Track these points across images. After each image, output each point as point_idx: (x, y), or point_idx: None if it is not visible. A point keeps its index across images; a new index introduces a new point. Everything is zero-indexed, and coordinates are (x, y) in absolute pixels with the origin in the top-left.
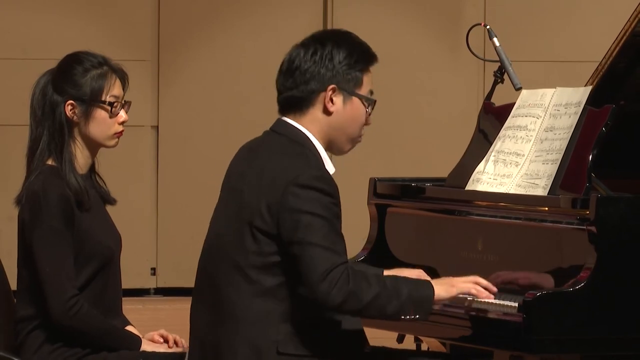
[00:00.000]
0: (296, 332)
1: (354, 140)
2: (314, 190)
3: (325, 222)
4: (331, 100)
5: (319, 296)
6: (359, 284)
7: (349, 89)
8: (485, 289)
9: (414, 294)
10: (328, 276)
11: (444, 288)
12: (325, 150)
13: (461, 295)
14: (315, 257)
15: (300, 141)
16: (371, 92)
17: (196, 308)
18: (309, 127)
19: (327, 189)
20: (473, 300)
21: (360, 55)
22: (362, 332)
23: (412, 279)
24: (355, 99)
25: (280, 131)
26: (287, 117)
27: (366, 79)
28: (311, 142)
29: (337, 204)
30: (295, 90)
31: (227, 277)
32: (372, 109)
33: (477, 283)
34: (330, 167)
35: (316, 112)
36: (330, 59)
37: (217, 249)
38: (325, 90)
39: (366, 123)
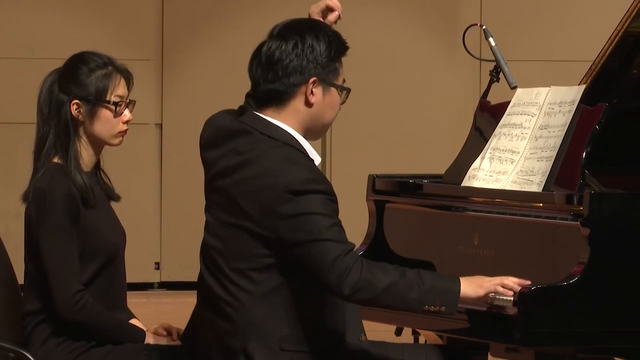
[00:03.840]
0: (297, 329)
1: (327, 127)
2: (308, 194)
3: (325, 218)
4: (312, 92)
5: (332, 287)
6: (372, 271)
7: (329, 80)
8: (511, 287)
9: (438, 285)
10: (338, 265)
11: (472, 287)
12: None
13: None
14: (322, 250)
15: (286, 141)
16: (343, 80)
17: (202, 305)
18: (289, 119)
19: (320, 188)
20: (494, 297)
21: (338, 46)
22: (361, 327)
23: (438, 273)
24: (333, 89)
25: (263, 131)
26: (265, 113)
27: (341, 68)
28: (294, 138)
29: (333, 200)
30: (277, 83)
31: (230, 279)
32: (347, 96)
33: (503, 283)
34: (315, 157)
35: (297, 104)
36: (312, 52)
37: (219, 251)
38: (306, 82)
39: None
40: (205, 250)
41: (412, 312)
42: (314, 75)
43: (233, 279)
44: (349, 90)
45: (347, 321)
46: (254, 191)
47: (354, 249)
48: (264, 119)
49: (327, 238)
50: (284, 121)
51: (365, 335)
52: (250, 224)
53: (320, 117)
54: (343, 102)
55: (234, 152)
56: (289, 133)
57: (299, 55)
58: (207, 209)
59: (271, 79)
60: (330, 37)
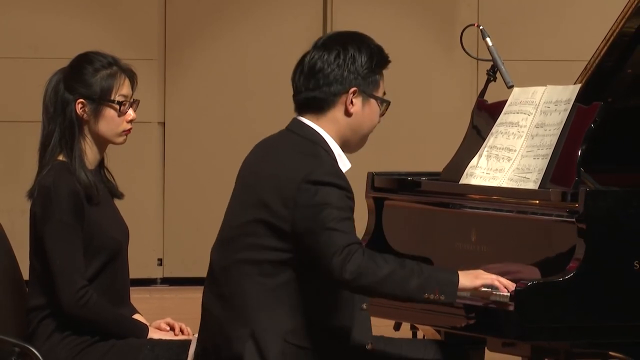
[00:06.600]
0: (304, 325)
1: (365, 138)
2: (326, 186)
3: (339, 211)
4: (351, 102)
5: (333, 271)
6: (374, 259)
7: (368, 91)
8: (505, 286)
9: (436, 275)
10: (341, 252)
11: (468, 278)
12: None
13: (483, 289)
14: (331, 238)
15: (315, 140)
16: (384, 93)
17: (209, 297)
18: (327, 127)
19: (339, 183)
20: (490, 292)
21: (379, 59)
22: (369, 332)
23: (436, 266)
24: (372, 101)
25: (296, 131)
26: (304, 117)
27: (382, 81)
28: (325, 141)
29: (351, 197)
30: (317, 91)
31: (242, 269)
32: (386, 109)
33: (499, 279)
34: (345, 164)
35: (336, 113)
36: (353, 62)
37: (233, 242)
38: (347, 92)
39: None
40: (220, 244)
41: (413, 300)
42: (355, 86)
43: (246, 270)
44: (388, 103)
45: (355, 325)
46: (275, 184)
47: (361, 243)
48: (301, 121)
49: (336, 228)
50: (322, 127)
51: (373, 343)
52: (269, 215)
53: (358, 128)
54: (382, 114)
55: (264, 149)
56: (319, 134)
57: (340, 65)
58: (230, 202)
59: (312, 88)
60: (373, 49)
